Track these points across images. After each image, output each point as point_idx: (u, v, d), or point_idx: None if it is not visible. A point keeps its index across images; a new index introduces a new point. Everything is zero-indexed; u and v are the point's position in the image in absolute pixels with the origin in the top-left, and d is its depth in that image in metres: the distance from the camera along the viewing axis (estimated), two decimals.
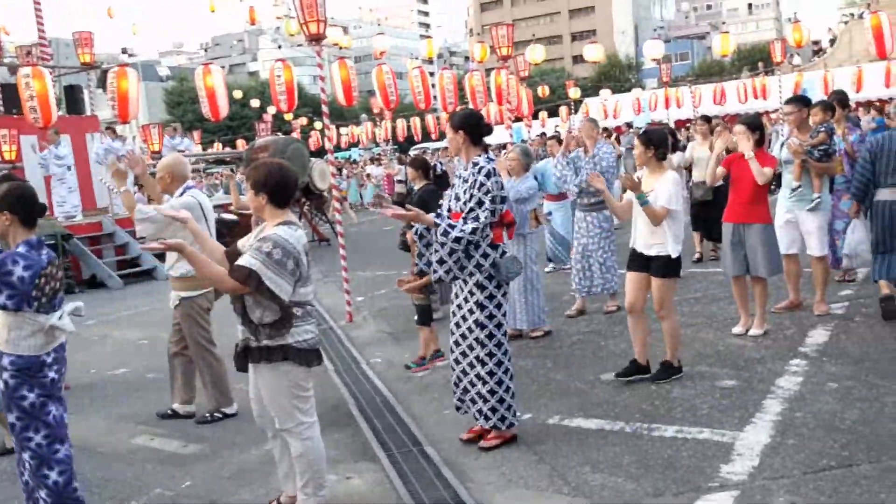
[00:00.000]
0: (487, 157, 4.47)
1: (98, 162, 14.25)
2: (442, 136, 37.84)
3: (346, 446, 4.93)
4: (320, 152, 26.55)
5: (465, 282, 4.48)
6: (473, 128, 4.51)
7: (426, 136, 34.74)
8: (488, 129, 4.62)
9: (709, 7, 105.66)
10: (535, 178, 7.88)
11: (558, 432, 4.74)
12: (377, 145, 35.10)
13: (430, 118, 32.51)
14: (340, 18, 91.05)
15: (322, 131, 9.48)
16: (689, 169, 9.82)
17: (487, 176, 4.36)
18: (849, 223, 7.27)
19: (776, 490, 3.71)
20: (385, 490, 4.22)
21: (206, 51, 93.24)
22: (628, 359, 6.04)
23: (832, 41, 38.15)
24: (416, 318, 6.51)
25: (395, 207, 4.62)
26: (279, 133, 23.18)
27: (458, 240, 4.27)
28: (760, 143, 6.25)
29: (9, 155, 12.73)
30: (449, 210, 4.56)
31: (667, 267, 5.32)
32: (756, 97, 27.61)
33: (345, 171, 26.72)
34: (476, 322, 4.47)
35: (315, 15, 7.84)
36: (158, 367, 7.14)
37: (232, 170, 26.90)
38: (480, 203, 4.33)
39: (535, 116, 33.49)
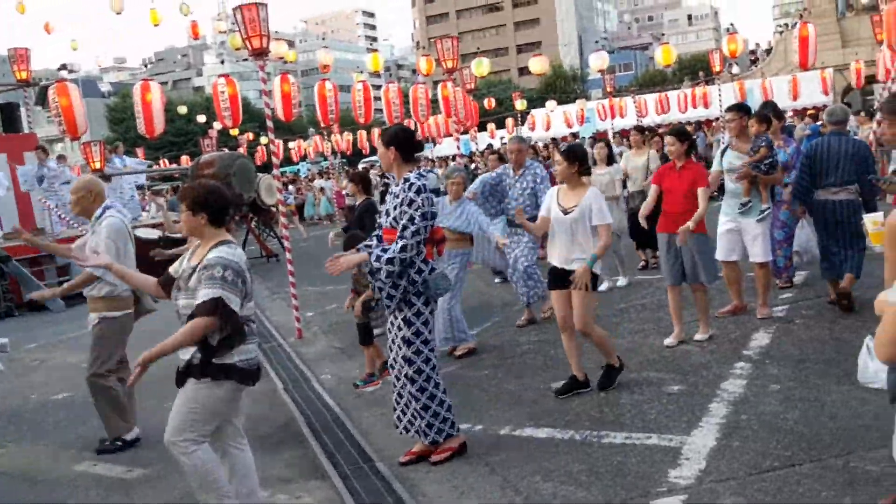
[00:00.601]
0: (419, 174, 4.43)
1: (28, 189, 13.88)
2: None
3: (296, 465, 4.87)
4: (267, 167, 26.29)
5: (392, 299, 4.43)
6: (404, 144, 4.47)
7: (374, 150, 34.68)
8: (419, 146, 4.63)
9: (650, 18, 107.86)
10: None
11: (509, 442, 4.75)
12: (325, 159, 34.91)
13: (376, 131, 32.47)
14: (287, 32, 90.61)
15: (268, 146, 9.40)
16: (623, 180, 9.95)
17: (418, 192, 4.31)
18: (788, 233, 7.53)
19: (722, 492, 3.78)
20: None
21: (146, 66, 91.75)
22: None
23: (768, 51, 39.25)
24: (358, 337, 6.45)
25: (346, 255, 4.52)
26: (225, 149, 22.92)
27: (390, 261, 4.23)
28: (690, 152, 6.31)
29: None
30: (380, 226, 4.53)
31: (591, 280, 5.27)
32: (696, 106, 28.23)
33: (291, 187, 26.51)
34: (403, 339, 4.43)
35: (258, 30, 7.77)
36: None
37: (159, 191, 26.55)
38: (412, 220, 4.28)
39: (483, 128, 33.73)
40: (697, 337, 6.32)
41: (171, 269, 3.77)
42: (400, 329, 4.44)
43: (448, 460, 4.52)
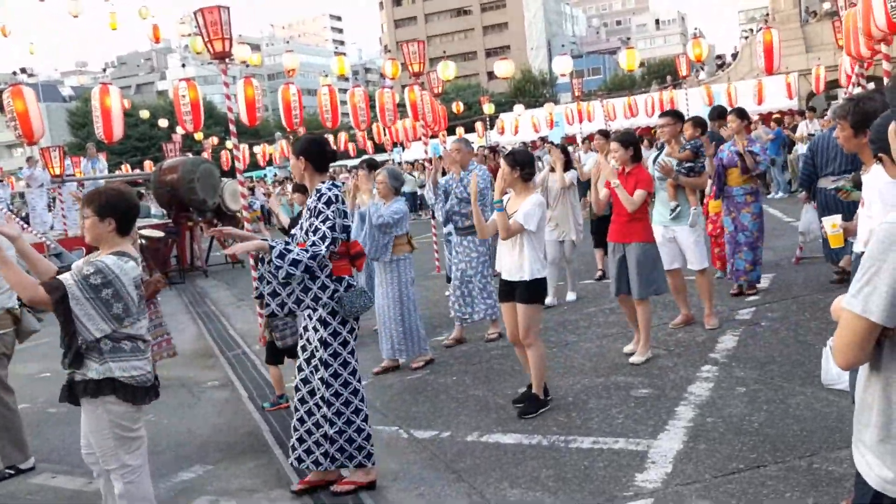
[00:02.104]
0: (331, 184, 4.24)
1: None
2: (359, 154, 37.75)
3: (260, 474, 4.78)
4: (231, 172, 26.08)
5: (310, 318, 4.25)
6: (316, 154, 4.31)
7: (343, 154, 34.53)
8: (332, 156, 4.46)
9: (618, 23, 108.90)
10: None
11: (476, 449, 4.71)
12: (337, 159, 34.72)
13: (342, 136, 32.35)
14: (252, 36, 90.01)
15: (231, 150, 9.30)
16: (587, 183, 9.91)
17: (328, 203, 4.14)
18: (749, 237, 7.61)
19: (689, 495, 3.77)
20: None
21: (104, 70, 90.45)
22: (546, 372, 6.09)
23: (734, 55, 39.75)
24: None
25: (239, 232, 4.38)
26: (189, 153, 22.66)
27: (295, 263, 4.00)
28: (636, 158, 6.12)
29: None
30: (293, 238, 4.35)
31: (529, 292, 5.13)
32: (663, 109, 28.48)
33: (258, 191, 26.25)
34: (321, 360, 4.22)
35: (220, 33, 7.67)
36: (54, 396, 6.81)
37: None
38: (317, 230, 4.11)
39: (451, 132, 33.74)
40: (633, 359, 6.00)
41: (62, 276, 3.57)
42: (317, 350, 4.23)
43: (351, 493, 4.25)
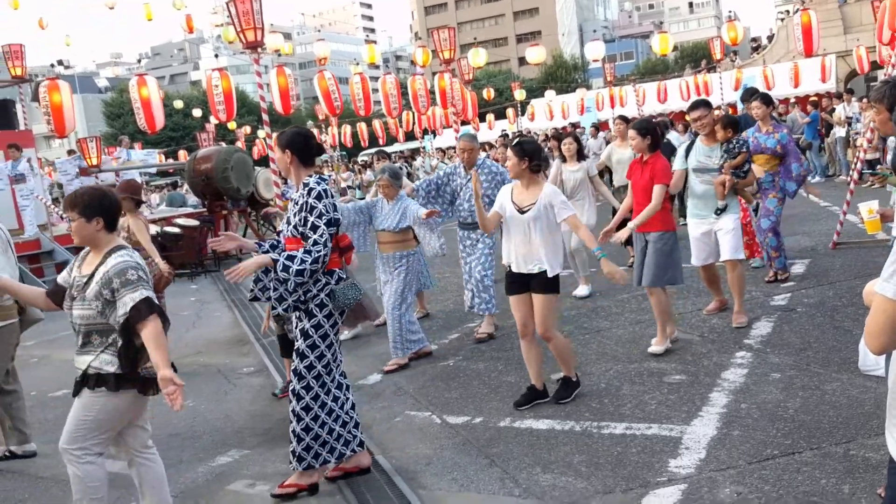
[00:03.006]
0: (319, 178, 4.18)
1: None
2: (390, 141, 37.84)
3: None
4: (265, 161, 26.30)
5: (297, 309, 4.20)
6: (301, 147, 4.21)
7: (373, 142, 34.66)
8: (319, 149, 4.35)
9: (651, 6, 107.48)
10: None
11: (509, 434, 4.74)
12: (325, 152, 34.89)
13: (376, 123, 32.44)
14: (284, 25, 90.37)
15: (264, 139, 9.38)
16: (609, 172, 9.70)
17: (318, 198, 4.06)
18: (773, 221, 7.40)
19: (722, 481, 3.76)
20: (336, 501, 4.16)
21: (139, 61, 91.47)
22: (578, 358, 6.09)
23: (770, 38, 39.09)
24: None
25: (245, 263, 4.12)
26: (222, 143, 22.88)
27: (300, 272, 3.95)
28: (654, 147, 5.94)
29: None
30: (279, 234, 4.33)
31: (547, 283, 4.98)
32: (699, 94, 28.12)
33: (290, 180, 26.36)
34: (298, 351, 4.17)
35: (252, 22, 7.73)
36: None
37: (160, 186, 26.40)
38: (314, 228, 4.04)
39: (482, 119, 33.68)
40: (652, 349, 5.87)
41: (60, 279, 3.64)
42: (296, 339, 4.21)
43: (292, 496, 4.18)
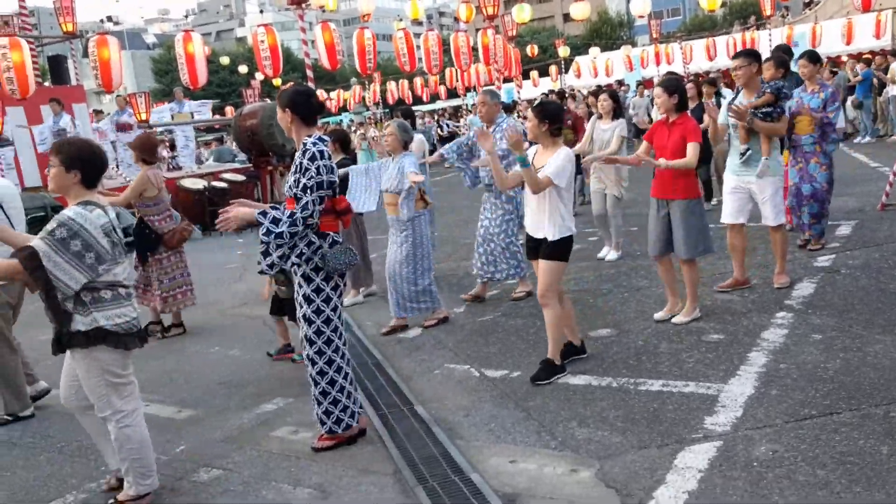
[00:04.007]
0: (316, 139, 4.12)
1: (45, 149, 13.94)
2: (433, 99, 37.66)
3: None
4: None
5: (295, 273, 4.23)
6: (302, 106, 4.16)
7: (416, 99, 34.53)
8: (319, 107, 4.30)
9: None
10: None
11: (546, 389, 4.81)
12: (367, 109, 34.89)
13: (417, 80, 32.29)
14: None
15: None
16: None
17: (312, 159, 4.02)
18: (816, 188, 7.13)
19: (758, 440, 3.79)
20: (377, 448, 4.28)
21: (186, 17, 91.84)
22: (617, 316, 6.14)
23: None
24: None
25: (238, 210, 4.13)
26: (267, 99, 23.02)
27: (279, 235, 3.97)
28: (682, 107, 5.71)
29: None
30: (283, 196, 4.31)
31: (553, 249, 4.90)
32: None
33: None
34: (304, 317, 4.19)
35: None
36: (149, 334, 7.19)
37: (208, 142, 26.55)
38: (305, 189, 4.00)
39: (526, 76, 33.29)
40: (677, 319, 5.73)
41: (32, 241, 3.61)
42: (301, 306, 4.22)
43: (331, 449, 4.30)
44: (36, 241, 3.47)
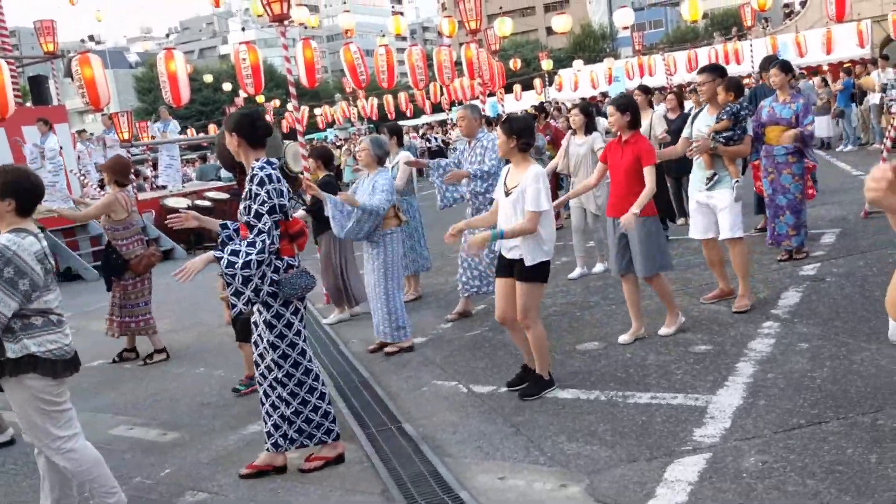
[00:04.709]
0: (265, 162, 4.04)
1: (36, 167, 13.81)
2: (417, 114, 37.72)
3: None
4: (292, 134, 26.40)
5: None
6: (248, 128, 4.09)
7: (400, 114, 34.59)
8: (267, 130, 4.22)
9: None
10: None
11: (534, 404, 4.78)
12: (352, 125, 34.91)
13: (402, 95, 32.36)
14: None
15: (292, 112, 9.30)
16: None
17: (261, 184, 3.94)
18: (791, 199, 7.06)
19: (747, 450, 3.77)
20: (364, 468, 4.24)
21: (168, 36, 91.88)
22: (604, 328, 6.12)
23: (802, 3, 38.27)
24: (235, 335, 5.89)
25: (191, 261, 3.92)
26: None
27: (246, 265, 3.86)
28: (635, 125, 5.56)
29: None
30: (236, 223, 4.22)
31: (527, 271, 4.73)
32: (728, 62, 27.66)
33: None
34: (268, 343, 4.14)
35: None
36: (136, 357, 7.12)
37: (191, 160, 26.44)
38: (258, 216, 3.93)
39: (509, 90, 33.41)
40: (663, 331, 5.67)
41: None
42: (264, 332, 4.15)
43: (319, 469, 4.26)
44: None
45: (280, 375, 4.19)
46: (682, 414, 4.31)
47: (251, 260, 3.87)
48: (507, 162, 5.07)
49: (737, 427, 4.05)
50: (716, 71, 6.26)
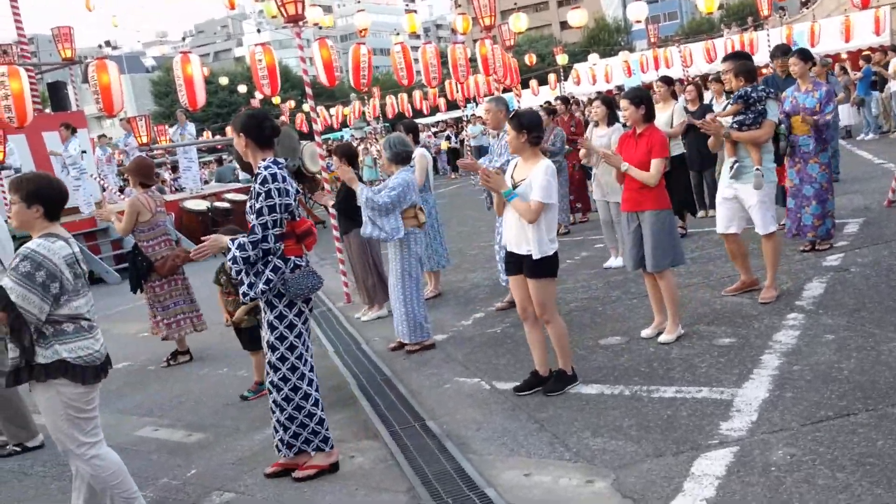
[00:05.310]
0: (272, 161, 4.06)
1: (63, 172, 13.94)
2: (433, 112, 37.70)
3: (348, 426, 4.96)
4: (309, 134, 26.50)
5: (261, 300, 4.17)
6: (256, 129, 4.10)
7: (416, 112, 34.58)
8: (273, 130, 4.20)
9: None
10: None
11: (559, 400, 4.76)
12: (367, 124, 34.96)
13: (416, 94, 32.34)
14: None
15: (308, 113, 9.28)
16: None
17: (264, 183, 3.96)
18: (817, 189, 7.01)
19: (775, 443, 3.74)
20: (388, 466, 4.24)
21: (183, 39, 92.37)
22: (627, 323, 6.08)
23: None
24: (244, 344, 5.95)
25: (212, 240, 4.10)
26: None
27: (234, 259, 3.97)
28: (649, 117, 5.50)
29: None
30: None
31: (540, 266, 4.70)
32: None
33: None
34: (269, 344, 4.16)
35: None
36: (158, 358, 7.18)
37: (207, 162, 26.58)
38: (259, 213, 3.96)
39: (525, 85, 33.32)
40: (662, 339, 5.49)
41: None
42: (266, 333, 4.18)
43: (313, 478, 4.22)
44: (4, 281, 3.46)
45: (276, 378, 4.18)
46: (708, 407, 4.28)
47: (236, 256, 3.96)
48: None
49: (764, 420, 4.01)
50: (740, 57, 6.20)
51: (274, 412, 4.24)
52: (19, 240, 4.96)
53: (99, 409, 3.78)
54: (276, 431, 4.27)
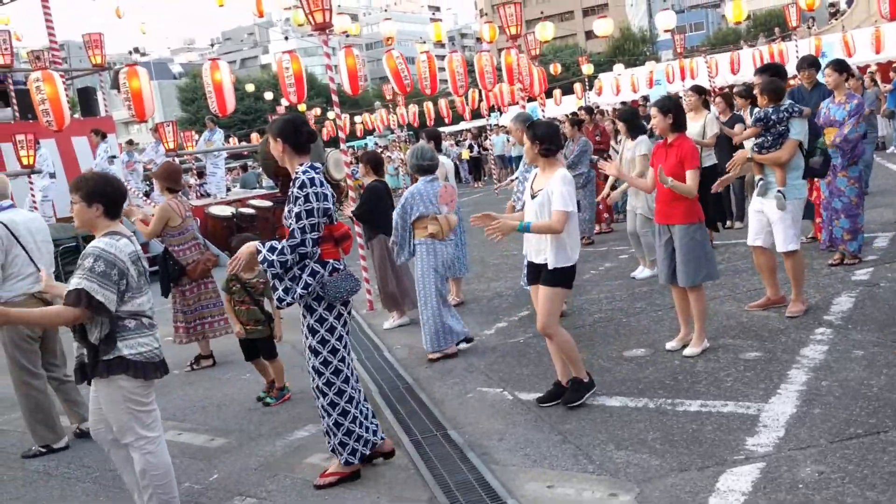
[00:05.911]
0: (309, 166, 4.07)
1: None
2: (456, 120, 37.73)
3: None
4: (334, 142, 26.64)
5: (299, 305, 4.16)
6: (293, 135, 4.11)
7: (439, 121, 34.65)
8: (310, 135, 4.19)
9: None
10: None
11: (582, 412, 4.72)
12: (392, 132, 35.06)
13: (442, 102, 32.39)
14: (349, 6, 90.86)
15: (334, 121, 9.38)
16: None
17: (302, 187, 3.97)
18: (846, 203, 6.94)
19: (802, 460, 3.68)
20: (410, 474, 4.23)
21: (213, 46, 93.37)
22: (651, 335, 6.03)
23: (849, 2, 37.47)
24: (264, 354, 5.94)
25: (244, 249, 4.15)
26: None
27: (281, 251, 3.96)
28: (679, 127, 5.44)
29: (27, 160, 12.81)
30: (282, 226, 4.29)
31: (555, 275, 4.69)
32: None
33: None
34: (310, 348, 4.16)
35: (320, 4, 7.79)
36: (182, 363, 7.22)
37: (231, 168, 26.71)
38: (298, 217, 3.97)
39: (549, 95, 33.27)
40: (687, 352, 5.43)
41: (71, 284, 3.65)
42: (307, 338, 4.17)
43: (334, 485, 4.20)
44: (84, 283, 3.49)
45: (321, 383, 4.19)
46: (734, 422, 4.22)
47: (274, 260, 3.97)
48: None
49: (791, 436, 3.95)
50: (774, 70, 6.16)
51: (323, 417, 4.25)
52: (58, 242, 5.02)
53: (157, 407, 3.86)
54: (327, 435, 4.28)
